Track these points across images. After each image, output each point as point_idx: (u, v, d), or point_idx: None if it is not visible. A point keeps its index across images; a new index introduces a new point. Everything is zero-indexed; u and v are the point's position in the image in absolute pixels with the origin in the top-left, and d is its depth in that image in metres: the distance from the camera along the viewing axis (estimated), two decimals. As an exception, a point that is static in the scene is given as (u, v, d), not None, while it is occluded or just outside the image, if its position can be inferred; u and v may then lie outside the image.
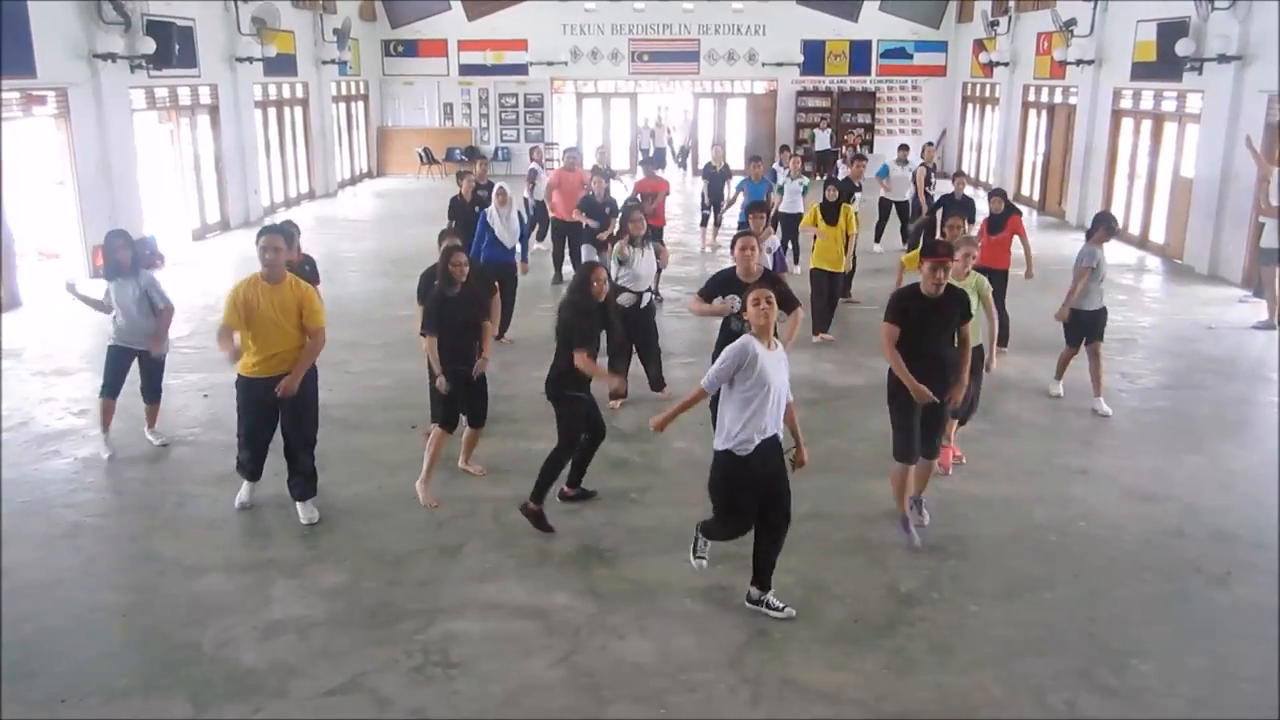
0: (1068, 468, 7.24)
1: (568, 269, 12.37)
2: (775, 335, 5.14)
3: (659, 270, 9.81)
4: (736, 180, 15.20)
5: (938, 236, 10.29)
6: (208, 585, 5.56)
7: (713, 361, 5.27)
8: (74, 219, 13.32)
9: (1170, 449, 7.62)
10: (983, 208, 10.99)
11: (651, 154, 25.73)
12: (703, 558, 5.45)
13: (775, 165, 14.69)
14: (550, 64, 26.13)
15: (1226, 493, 6.83)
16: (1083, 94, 18.29)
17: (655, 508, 6.50)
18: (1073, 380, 8.81)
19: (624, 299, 8.19)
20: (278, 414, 6.32)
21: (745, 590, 5.37)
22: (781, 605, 5.24)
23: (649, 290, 8.39)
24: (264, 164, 19.52)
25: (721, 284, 6.69)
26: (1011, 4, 21.85)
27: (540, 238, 15.26)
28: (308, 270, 7.75)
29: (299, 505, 6.38)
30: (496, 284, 8.03)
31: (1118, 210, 17.15)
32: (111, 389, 7.47)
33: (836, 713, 4.50)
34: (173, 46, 14.57)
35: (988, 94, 23.95)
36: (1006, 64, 21.92)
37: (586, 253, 10.80)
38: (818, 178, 17.02)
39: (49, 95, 12.74)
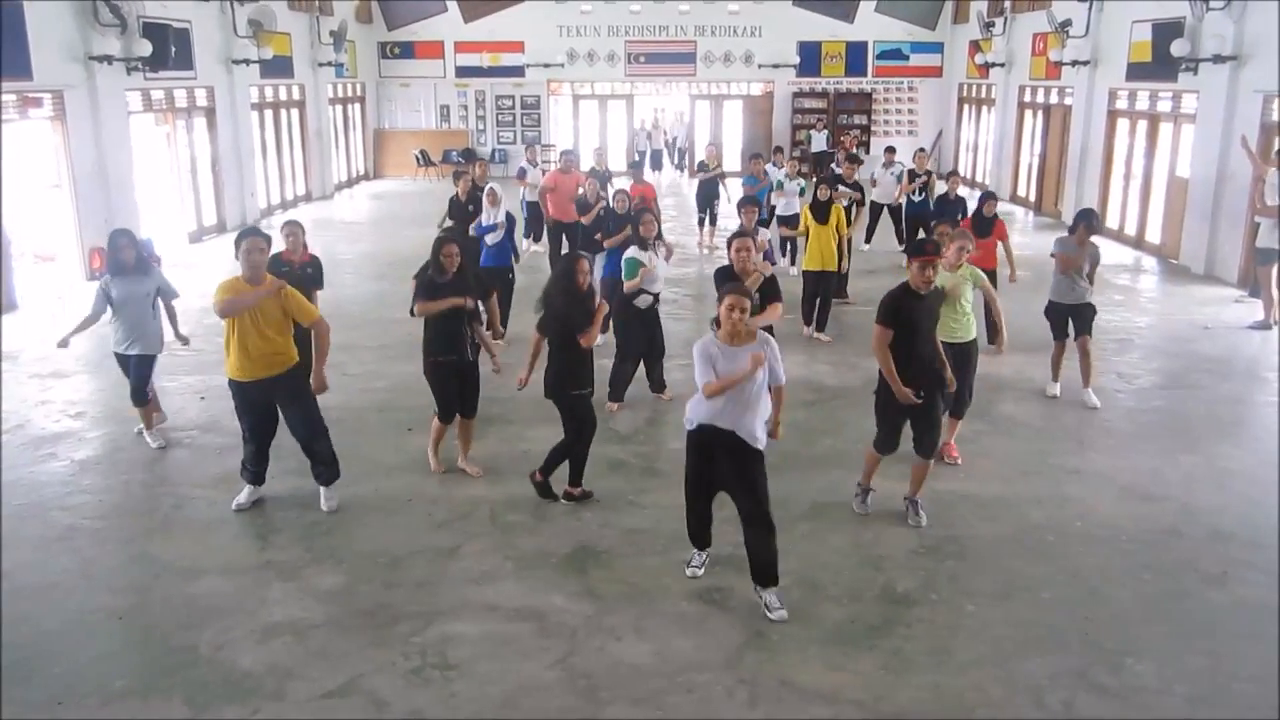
0: (1064, 468, 7.25)
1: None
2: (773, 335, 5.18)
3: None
4: (737, 180, 15.24)
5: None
6: (205, 587, 5.55)
7: None
8: (70, 221, 13.30)
9: (1166, 449, 7.64)
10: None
11: (648, 156, 25.82)
12: (697, 567, 5.61)
13: (769, 166, 14.69)
14: (547, 66, 26.14)
15: (1223, 492, 6.84)
16: (1078, 95, 18.32)
17: (653, 510, 6.50)
18: (1067, 380, 8.84)
19: (641, 300, 8.22)
20: (276, 413, 6.37)
21: (743, 591, 5.41)
22: (778, 606, 5.23)
23: (661, 292, 8.42)
24: (260, 166, 19.50)
25: (721, 280, 6.93)
26: (1007, 5, 21.88)
27: (537, 239, 15.29)
28: (310, 273, 7.80)
29: (323, 492, 6.54)
30: (492, 289, 8.10)
31: (1113, 211, 17.23)
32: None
33: (834, 713, 4.51)
34: (169, 48, 14.55)
35: (983, 95, 23.97)
36: (1002, 65, 21.94)
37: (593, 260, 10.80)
38: (813, 179, 17.06)
39: (45, 97, 12.72)
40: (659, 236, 8.32)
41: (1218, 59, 13.54)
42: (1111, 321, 11.17)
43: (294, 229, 7.89)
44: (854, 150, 20.46)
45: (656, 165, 26.72)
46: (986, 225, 9.91)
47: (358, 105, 25.58)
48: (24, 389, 8.91)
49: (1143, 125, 16.53)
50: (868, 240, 15.37)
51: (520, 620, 5.22)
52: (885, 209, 15.53)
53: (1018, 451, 7.59)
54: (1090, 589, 5.55)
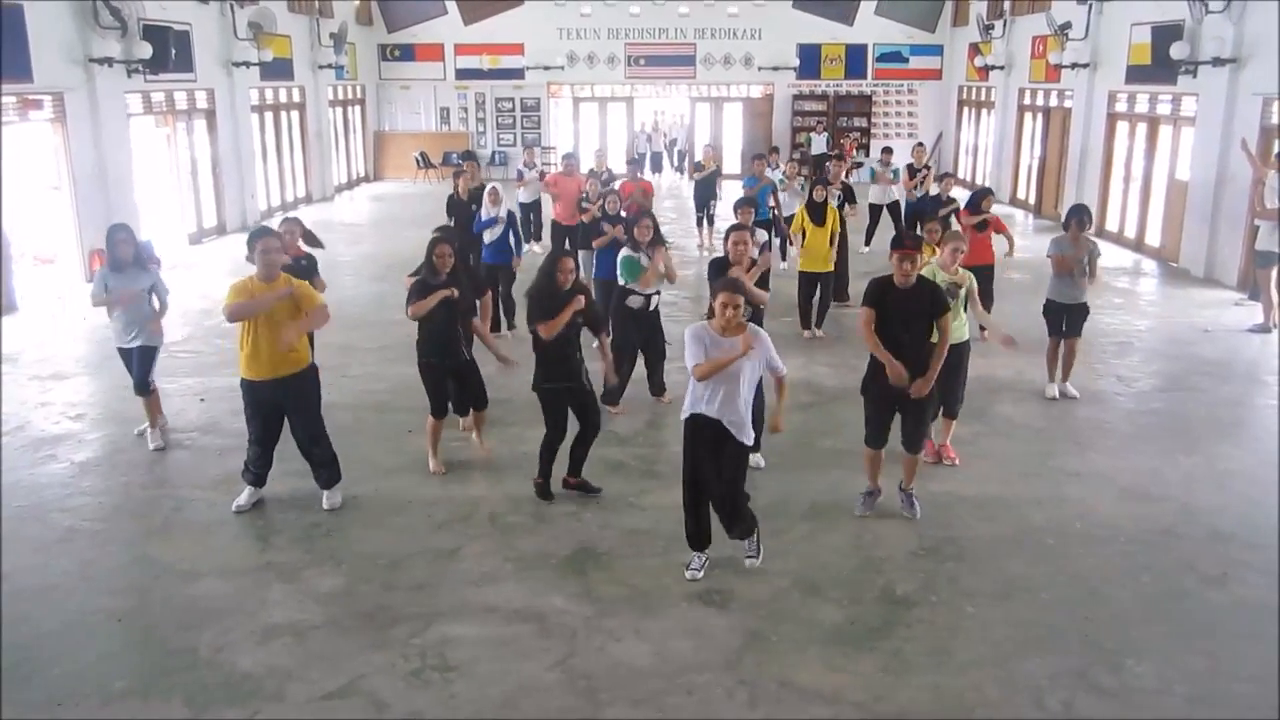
0: (1064, 469, 7.26)
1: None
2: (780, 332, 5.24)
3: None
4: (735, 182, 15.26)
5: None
6: (204, 589, 5.55)
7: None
8: (70, 223, 13.32)
9: (1166, 450, 7.64)
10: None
11: (648, 158, 25.83)
12: (696, 570, 5.64)
13: (768, 170, 14.67)
14: (547, 68, 26.15)
15: (1222, 493, 6.84)
16: (1078, 97, 18.33)
17: (652, 511, 6.50)
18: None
19: (633, 301, 8.22)
20: (282, 414, 6.43)
21: (743, 594, 5.45)
22: (751, 553, 5.65)
23: (656, 293, 8.41)
24: (261, 168, 19.52)
25: (716, 270, 7.14)
26: (1006, 8, 21.89)
27: (537, 239, 15.33)
28: (304, 264, 7.83)
29: (324, 494, 6.57)
30: (487, 287, 8.15)
31: (1113, 213, 17.25)
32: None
33: (834, 714, 4.51)
34: (169, 51, 14.56)
35: (983, 97, 23.99)
36: (1002, 67, 21.95)
37: (584, 260, 10.81)
38: (810, 181, 17.07)
39: (45, 99, 12.74)
40: (655, 242, 8.32)
41: (1217, 62, 13.55)
42: (1111, 324, 11.18)
43: (291, 226, 7.94)
44: (855, 154, 20.46)
45: (656, 167, 26.74)
46: (983, 220, 10.03)
47: (358, 107, 25.59)
48: (24, 391, 8.92)
49: (1142, 128, 16.53)
50: (867, 242, 15.39)
51: (520, 622, 5.22)
52: (884, 209, 15.57)
53: (1017, 453, 7.59)
54: (1090, 590, 5.55)
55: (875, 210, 15.75)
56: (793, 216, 13.17)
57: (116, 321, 7.53)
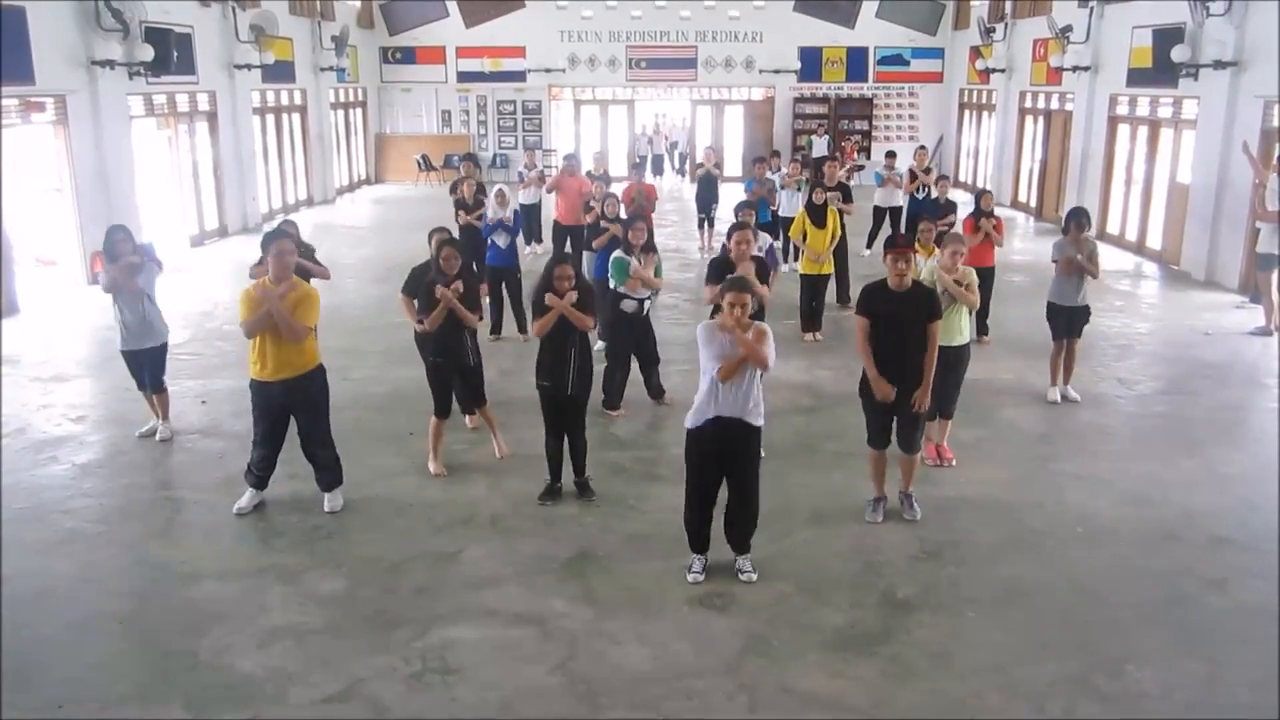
0: (1064, 473, 7.25)
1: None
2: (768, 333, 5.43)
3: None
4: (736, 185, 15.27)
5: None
6: (205, 592, 5.56)
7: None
8: (72, 225, 13.33)
9: (1167, 454, 7.63)
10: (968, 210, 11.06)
11: (649, 160, 25.84)
12: (698, 573, 5.64)
13: (769, 173, 14.66)
14: (548, 71, 26.17)
15: (1223, 498, 6.83)
16: (1079, 100, 18.34)
17: (653, 514, 6.50)
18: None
19: (626, 305, 8.24)
20: (288, 417, 6.47)
21: (743, 598, 5.45)
22: (749, 569, 5.64)
23: (649, 298, 8.42)
24: (262, 171, 19.54)
25: (718, 268, 7.20)
26: (1008, 11, 21.90)
27: (539, 241, 15.35)
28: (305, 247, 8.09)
29: (325, 496, 6.60)
30: (484, 287, 8.27)
31: (1114, 216, 17.25)
32: (141, 381, 7.84)
33: (834, 719, 4.50)
34: (171, 53, 14.57)
35: (984, 100, 23.99)
36: (1003, 70, 21.95)
37: (587, 261, 10.83)
38: (810, 183, 17.09)
39: (47, 102, 12.75)
40: (648, 247, 8.33)
41: (1218, 65, 13.55)
42: (1112, 327, 11.17)
43: (288, 229, 8.10)
44: (856, 157, 20.43)
45: (658, 170, 26.75)
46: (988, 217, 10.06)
47: (359, 110, 25.61)
48: (25, 393, 8.92)
49: (1143, 131, 16.54)
50: (869, 245, 15.39)
51: (520, 625, 5.22)
52: (887, 213, 15.57)
53: (1018, 456, 7.58)
54: (1090, 594, 5.55)
55: (879, 213, 15.76)
56: (792, 220, 13.23)
57: (121, 328, 7.62)
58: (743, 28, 26.04)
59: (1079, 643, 5.07)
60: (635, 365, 8.53)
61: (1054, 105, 20.05)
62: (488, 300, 9.61)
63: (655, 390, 8.65)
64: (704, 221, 16.19)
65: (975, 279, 7.23)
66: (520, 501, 6.68)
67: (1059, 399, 8.72)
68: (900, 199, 15.30)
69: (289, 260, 6.30)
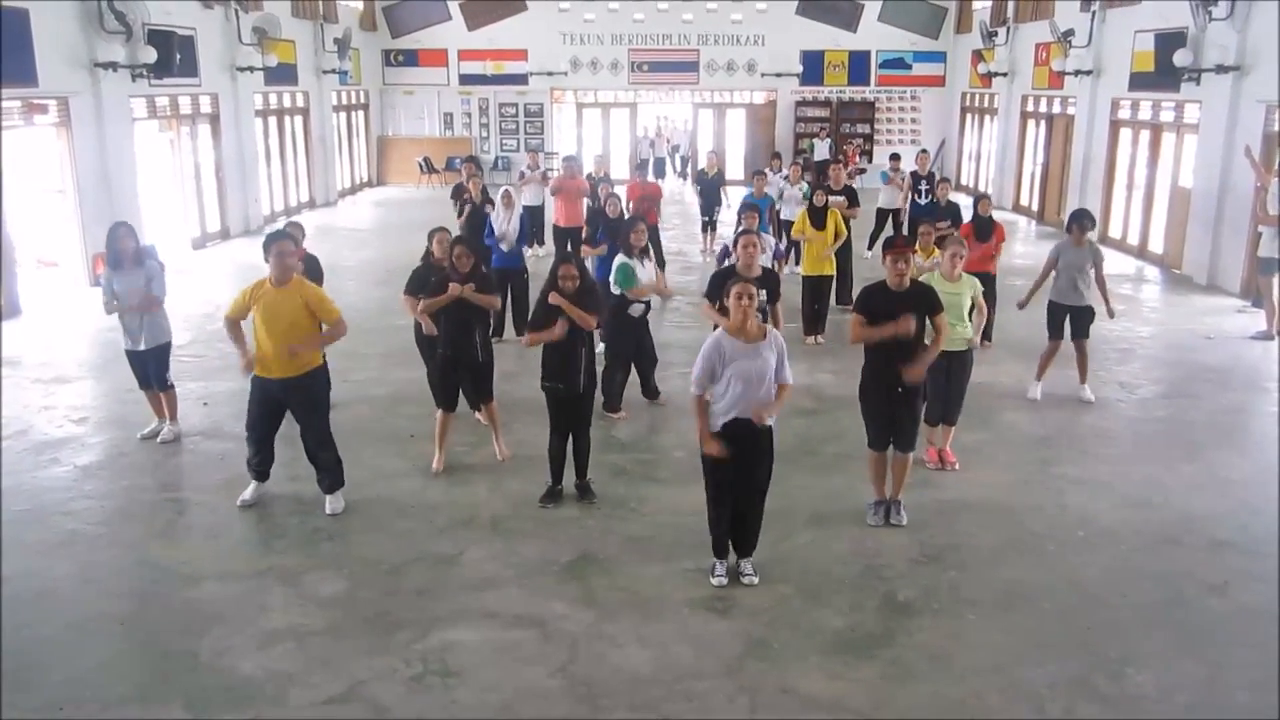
0: (1065, 476, 7.25)
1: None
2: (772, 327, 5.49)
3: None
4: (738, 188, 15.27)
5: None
6: (205, 593, 5.56)
7: None
8: (74, 227, 13.35)
9: (1168, 458, 7.63)
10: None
11: (651, 163, 25.86)
12: (721, 576, 5.64)
13: (770, 174, 14.66)
14: (550, 74, 26.19)
15: (1223, 501, 6.83)
16: (1081, 104, 18.34)
17: (653, 517, 6.50)
18: (1066, 388, 8.87)
19: (634, 310, 8.27)
20: (284, 412, 6.47)
21: (744, 600, 5.45)
22: (750, 573, 5.63)
23: (648, 301, 8.44)
24: (264, 173, 19.57)
25: (719, 284, 6.95)
26: (1010, 14, 21.91)
27: (540, 243, 15.36)
28: (306, 264, 7.94)
29: (326, 498, 6.59)
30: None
31: (1116, 220, 17.25)
32: (145, 380, 7.86)
33: (834, 721, 4.51)
34: (174, 56, 14.59)
35: (986, 104, 24.00)
36: (1005, 74, 21.96)
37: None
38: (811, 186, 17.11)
39: (50, 104, 12.77)
40: (648, 250, 8.35)
41: (1220, 69, 13.55)
42: (1114, 331, 11.16)
43: (294, 230, 8.03)
44: (859, 160, 20.43)
45: (659, 173, 26.77)
46: (986, 228, 9.92)
47: (361, 112, 25.65)
48: (27, 394, 8.93)
49: (1145, 135, 16.54)
50: (870, 246, 15.40)
51: (521, 627, 5.22)
52: (890, 215, 15.58)
53: (1019, 460, 7.58)
54: (1091, 597, 5.54)
55: (882, 215, 15.79)
56: (791, 222, 13.25)
57: (125, 328, 7.67)
58: (745, 31, 26.07)
59: (1079, 645, 5.07)
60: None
61: (1056, 109, 20.06)
62: None
63: (651, 391, 8.66)
64: (707, 225, 16.20)
65: (980, 289, 7.21)
66: (521, 503, 6.68)
67: (1038, 397, 8.78)
68: (901, 202, 15.32)
69: (290, 262, 6.32)
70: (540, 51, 26.03)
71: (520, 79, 26.28)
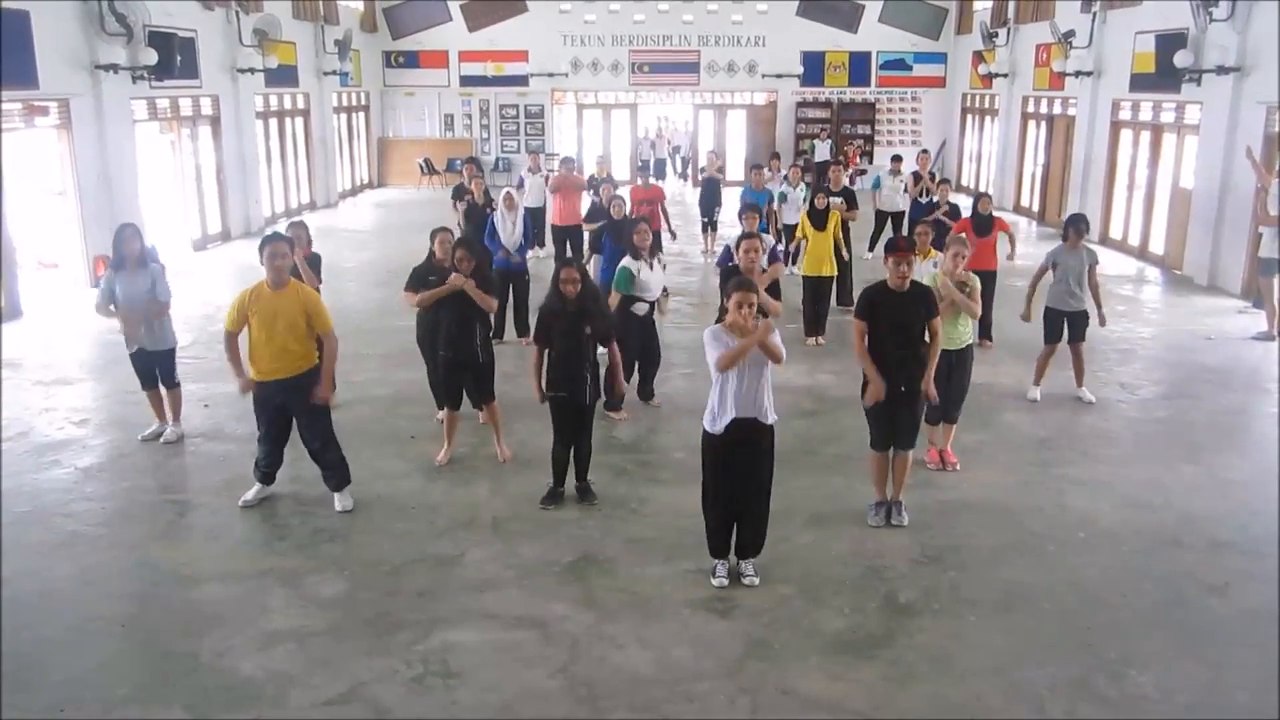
0: (1066, 477, 7.25)
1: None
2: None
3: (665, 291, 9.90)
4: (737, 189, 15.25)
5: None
6: (206, 595, 5.56)
7: None
8: (75, 229, 13.36)
9: (1168, 459, 7.63)
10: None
11: (651, 164, 25.87)
12: (722, 577, 5.64)
13: (768, 173, 14.65)
14: (551, 75, 26.20)
15: (1224, 502, 6.83)
16: (1082, 105, 18.35)
17: (654, 518, 6.50)
18: (1066, 388, 8.88)
19: (638, 308, 8.27)
20: (290, 415, 6.49)
21: (745, 601, 5.45)
22: (751, 574, 5.64)
23: (654, 301, 8.45)
24: (265, 174, 19.58)
25: (727, 278, 7.04)
26: (1010, 15, 21.91)
27: (540, 245, 15.36)
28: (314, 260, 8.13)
29: (335, 496, 6.63)
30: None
31: (1117, 221, 17.25)
32: (148, 381, 7.85)
33: (835, 722, 4.51)
34: (174, 57, 14.60)
35: (987, 105, 24.00)
36: (1005, 75, 21.96)
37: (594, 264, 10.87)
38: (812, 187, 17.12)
39: (51, 106, 12.78)
40: (654, 249, 8.37)
41: (1221, 70, 13.55)
42: (1115, 332, 11.15)
43: (298, 231, 8.14)
44: (859, 161, 20.43)
45: (660, 174, 26.78)
46: (986, 224, 10.05)
47: (362, 114, 25.66)
48: (27, 396, 8.93)
49: (1146, 136, 16.54)
50: (871, 248, 15.40)
51: (521, 628, 5.22)
52: (890, 217, 15.59)
53: (1019, 461, 7.58)
54: (1091, 598, 5.54)
55: (882, 217, 15.78)
56: (792, 226, 13.25)
57: (128, 334, 7.63)
58: (745, 32, 26.08)
59: (1080, 646, 5.07)
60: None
61: (1056, 110, 20.07)
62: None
63: (647, 393, 8.65)
64: (707, 226, 16.23)
65: (979, 284, 7.26)
66: (522, 504, 6.68)
67: (1038, 398, 8.81)
68: (902, 203, 15.31)
69: (282, 264, 6.27)
70: (541, 53, 26.05)
71: (521, 80, 26.29)
